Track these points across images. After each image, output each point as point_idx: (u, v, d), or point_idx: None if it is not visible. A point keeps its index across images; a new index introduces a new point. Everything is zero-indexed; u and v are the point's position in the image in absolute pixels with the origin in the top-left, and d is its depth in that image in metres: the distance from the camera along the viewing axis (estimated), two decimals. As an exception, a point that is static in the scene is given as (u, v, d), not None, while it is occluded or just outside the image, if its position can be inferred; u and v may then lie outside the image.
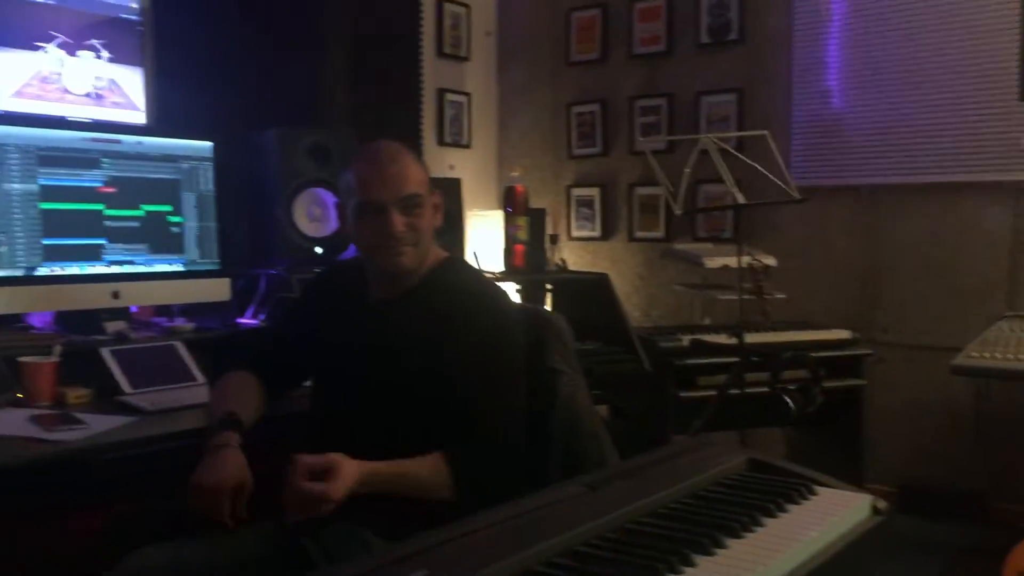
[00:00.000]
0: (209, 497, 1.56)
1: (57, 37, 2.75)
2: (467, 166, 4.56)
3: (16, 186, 2.17)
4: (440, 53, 4.47)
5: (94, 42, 2.84)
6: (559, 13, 4.68)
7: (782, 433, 3.72)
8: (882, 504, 1.26)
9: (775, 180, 3.09)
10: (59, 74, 2.76)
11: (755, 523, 1.13)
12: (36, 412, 1.89)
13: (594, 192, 4.60)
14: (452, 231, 3.18)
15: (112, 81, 2.89)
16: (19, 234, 2.17)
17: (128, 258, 2.39)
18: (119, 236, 2.36)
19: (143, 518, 1.76)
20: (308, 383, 1.97)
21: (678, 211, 2.98)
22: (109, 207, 2.34)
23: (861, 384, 3.44)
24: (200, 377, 2.19)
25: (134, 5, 2.94)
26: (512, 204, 3.38)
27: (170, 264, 2.48)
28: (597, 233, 4.60)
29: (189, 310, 2.61)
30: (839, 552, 1.13)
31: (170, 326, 2.47)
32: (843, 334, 3.46)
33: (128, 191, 2.37)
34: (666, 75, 4.36)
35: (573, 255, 4.54)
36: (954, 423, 3.68)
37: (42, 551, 1.72)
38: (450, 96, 4.53)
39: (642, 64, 4.43)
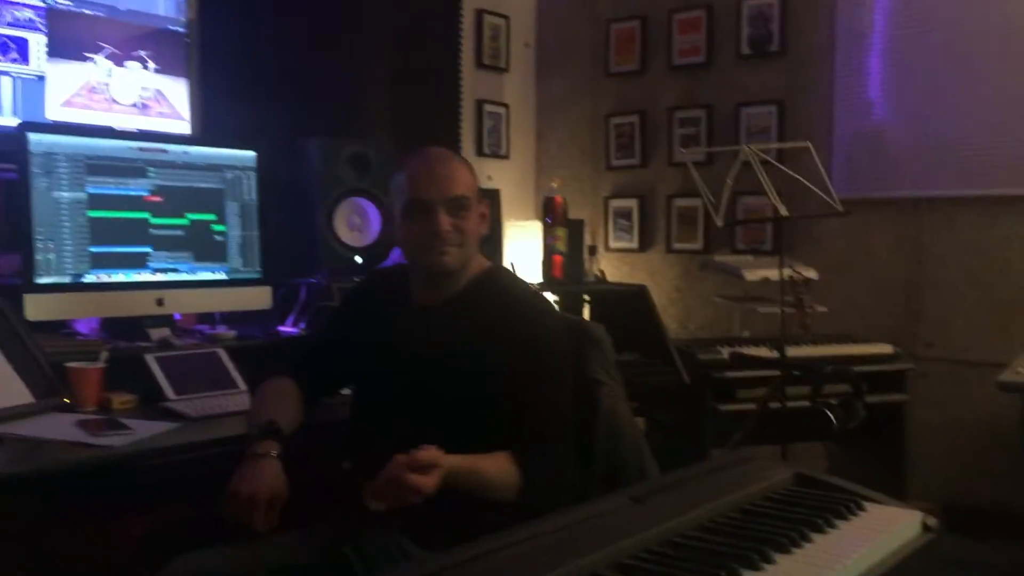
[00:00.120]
0: (244, 506, 1.57)
1: (105, 48, 2.80)
2: (505, 177, 4.56)
3: (65, 194, 2.20)
4: (479, 64, 4.49)
5: (141, 53, 2.89)
6: (598, 24, 4.68)
7: (823, 448, 3.67)
8: (932, 521, 1.24)
9: (818, 192, 3.05)
10: (107, 84, 2.81)
11: (804, 538, 1.12)
12: (82, 417, 1.92)
13: (632, 203, 4.58)
14: (490, 242, 3.19)
15: (158, 91, 2.94)
16: (67, 241, 2.21)
17: (172, 266, 2.41)
18: (164, 244, 2.39)
19: (187, 523, 1.77)
20: (347, 390, 1.98)
21: (720, 223, 2.96)
22: (155, 215, 2.37)
23: (903, 399, 3.40)
24: (242, 384, 2.21)
25: (180, 17, 2.99)
26: (551, 215, 3.38)
27: (213, 272, 2.50)
28: (635, 244, 4.59)
29: (230, 318, 2.63)
30: (890, 570, 1.11)
31: (212, 333, 2.50)
32: (885, 348, 3.41)
33: (173, 200, 2.40)
34: (705, 86, 4.34)
35: (611, 266, 4.52)
36: (999, 441, 3.60)
37: (87, 555, 1.74)
38: (489, 107, 4.55)
39: (681, 75, 4.42)
